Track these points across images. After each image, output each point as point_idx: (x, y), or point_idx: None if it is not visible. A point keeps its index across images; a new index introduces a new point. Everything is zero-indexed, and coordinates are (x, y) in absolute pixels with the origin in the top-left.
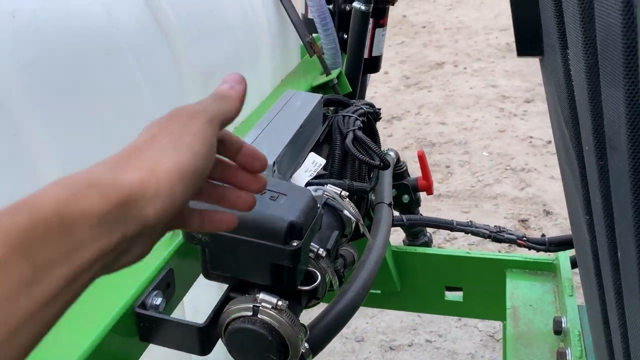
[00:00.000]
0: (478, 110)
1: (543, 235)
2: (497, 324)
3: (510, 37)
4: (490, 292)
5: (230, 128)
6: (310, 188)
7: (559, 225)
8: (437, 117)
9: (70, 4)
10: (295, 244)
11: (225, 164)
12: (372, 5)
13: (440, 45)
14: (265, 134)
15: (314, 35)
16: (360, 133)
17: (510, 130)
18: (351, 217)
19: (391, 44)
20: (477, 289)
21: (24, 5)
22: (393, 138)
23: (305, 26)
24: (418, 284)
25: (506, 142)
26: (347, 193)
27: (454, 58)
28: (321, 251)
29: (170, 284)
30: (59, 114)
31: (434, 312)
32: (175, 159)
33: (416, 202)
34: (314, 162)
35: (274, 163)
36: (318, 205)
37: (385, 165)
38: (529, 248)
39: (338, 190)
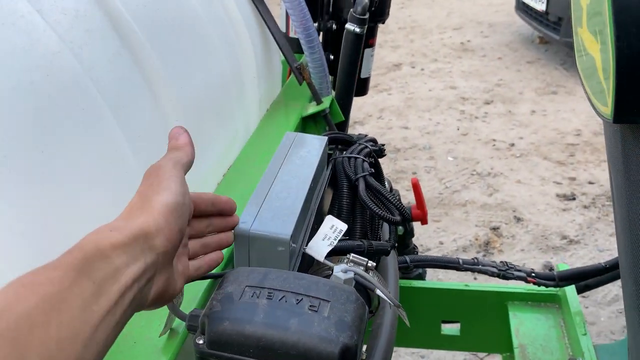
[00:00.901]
0: (439, 113)
1: (551, 269)
2: None
3: (464, 37)
4: (490, 324)
5: (218, 176)
6: (338, 268)
7: (530, 232)
8: (399, 121)
9: (32, 55)
10: None
11: (197, 220)
12: (366, 27)
13: (396, 46)
14: (272, 197)
15: (296, 54)
16: (372, 181)
17: (472, 133)
18: (385, 297)
19: None
20: (476, 322)
21: None
22: None
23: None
24: (413, 320)
25: (470, 145)
26: (374, 264)
27: (411, 59)
28: (364, 355)
29: None
30: (28, 189)
31: (430, 346)
32: (161, 199)
33: (410, 233)
34: (333, 228)
35: (291, 237)
36: (366, 308)
37: (406, 219)
38: (539, 285)
39: (364, 261)
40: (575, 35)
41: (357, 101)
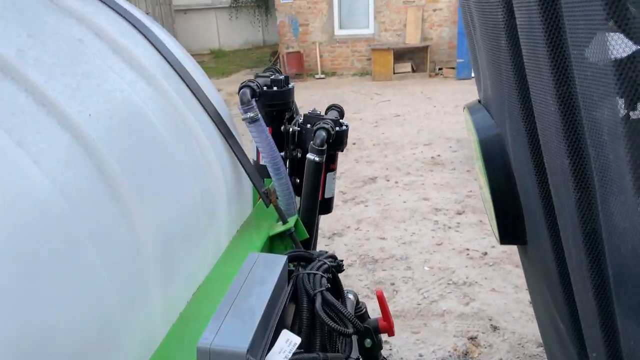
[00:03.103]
0: (414, 223)
1: None
2: None
3: (434, 151)
4: None
5: (187, 296)
6: None
7: (507, 341)
8: (376, 231)
9: (14, 188)
10: None
11: None
12: (325, 156)
13: (371, 161)
14: (233, 313)
15: (266, 179)
16: (329, 296)
17: (447, 242)
18: None
19: None
20: None
21: None
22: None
23: (259, 173)
24: None
25: (445, 255)
26: None
27: (386, 172)
28: None
29: None
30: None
31: None
32: None
33: (378, 345)
34: (288, 342)
35: (247, 351)
36: None
37: (359, 331)
38: None
39: None
40: (477, 170)
41: (335, 213)
